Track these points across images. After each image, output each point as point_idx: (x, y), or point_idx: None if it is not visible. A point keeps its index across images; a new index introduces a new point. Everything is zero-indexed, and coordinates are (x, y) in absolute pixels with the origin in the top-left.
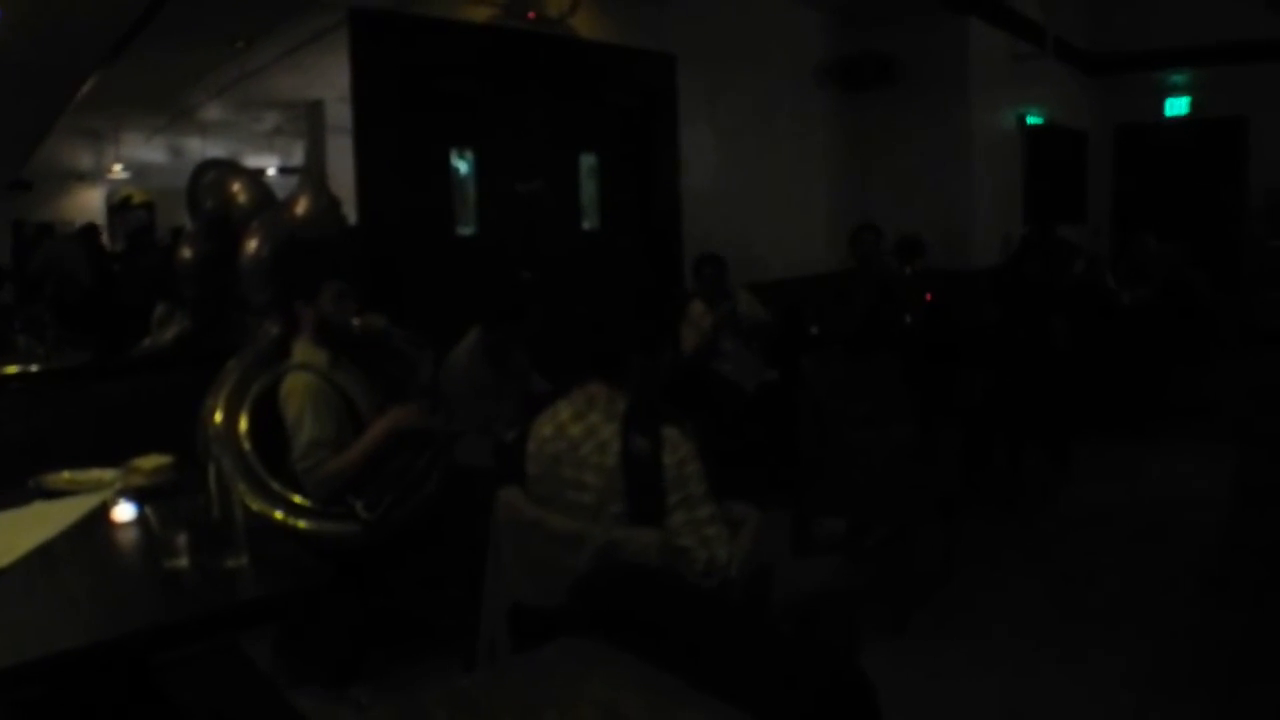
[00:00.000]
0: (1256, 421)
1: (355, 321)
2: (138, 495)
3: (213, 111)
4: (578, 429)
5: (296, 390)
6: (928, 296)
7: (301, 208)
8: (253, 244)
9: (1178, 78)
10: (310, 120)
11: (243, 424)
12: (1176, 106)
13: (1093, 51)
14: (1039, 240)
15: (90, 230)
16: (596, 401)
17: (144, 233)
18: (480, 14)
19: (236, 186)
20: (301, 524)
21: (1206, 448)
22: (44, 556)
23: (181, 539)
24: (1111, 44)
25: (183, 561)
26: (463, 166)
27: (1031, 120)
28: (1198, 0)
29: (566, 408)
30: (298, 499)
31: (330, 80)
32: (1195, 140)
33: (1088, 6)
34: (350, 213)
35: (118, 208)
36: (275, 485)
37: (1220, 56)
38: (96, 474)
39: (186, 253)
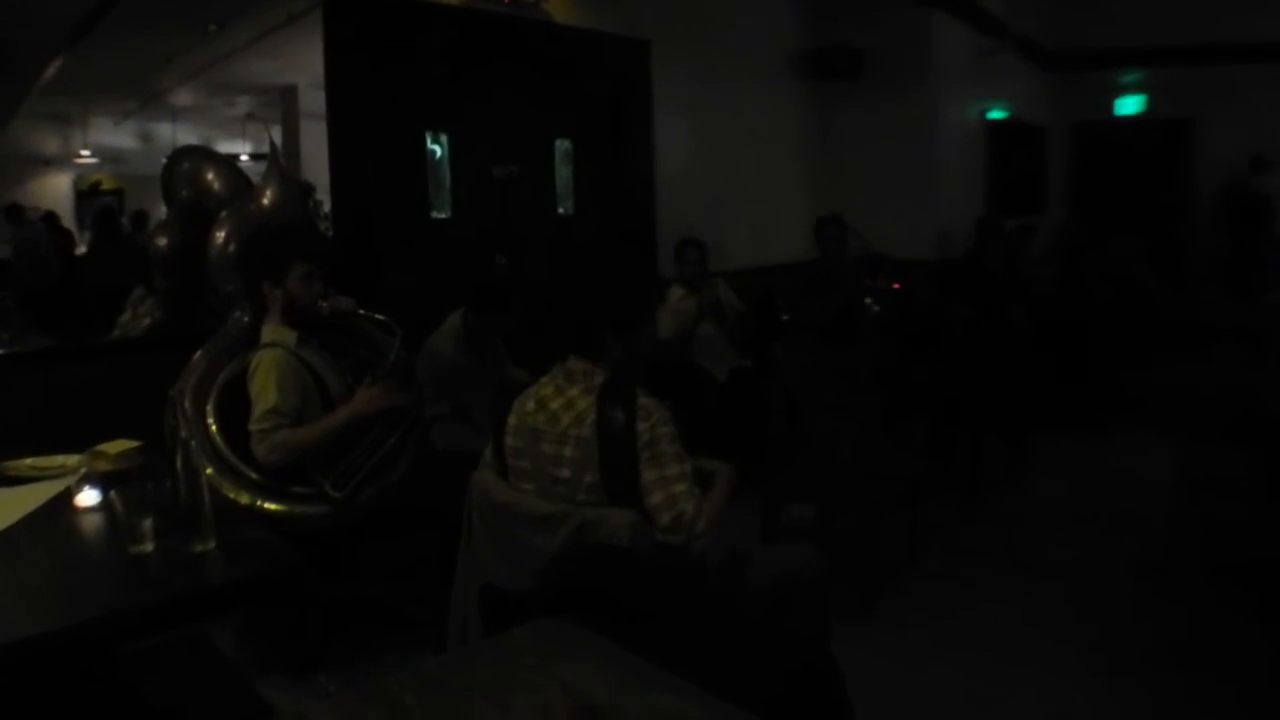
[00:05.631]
0: (1195, 415)
1: (323, 304)
2: (103, 480)
3: (183, 96)
4: (558, 403)
5: (263, 363)
6: (895, 286)
7: (268, 196)
8: (220, 234)
9: (1130, 77)
10: (283, 105)
11: (211, 408)
12: (1127, 105)
13: (1051, 49)
14: (995, 227)
15: (50, 218)
16: (575, 376)
17: (111, 218)
18: None
19: (211, 175)
20: (270, 506)
21: (1157, 439)
22: (5, 543)
23: (147, 524)
24: (1069, 42)
25: (148, 546)
26: (437, 150)
27: (993, 115)
28: (1153, 1)
29: (549, 384)
30: (267, 481)
31: (303, 65)
32: (1146, 139)
33: (1048, 4)
34: (325, 198)
35: (86, 194)
36: (244, 468)
37: (1171, 58)
38: (60, 459)
39: (161, 241)
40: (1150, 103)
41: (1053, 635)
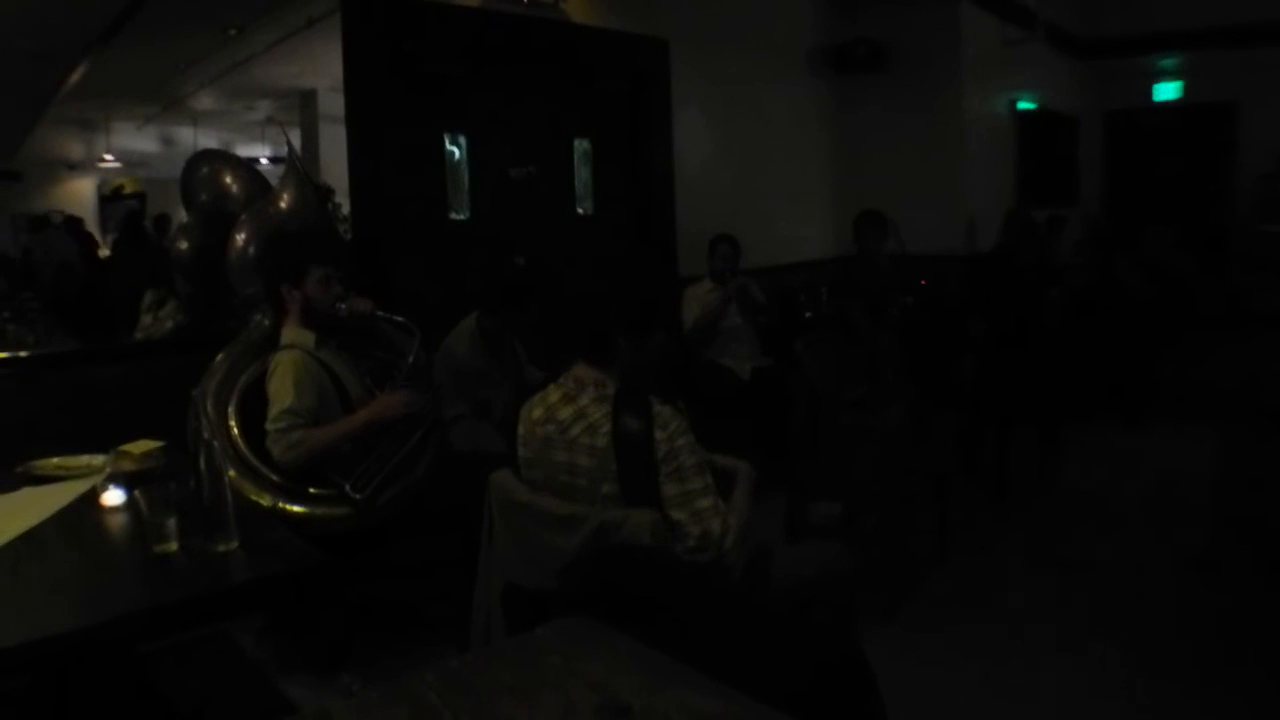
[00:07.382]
0: (1243, 403)
1: (341, 306)
2: (127, 480)
3: (204, 101)
4: (567, 412)
5: (281, 364)
6: (923, 282)
7: (286, 199)
8: (240, 237)
9: (1167, 62)
10: (303, 109)
11: (233, 410)
12: (1165, 91)
13: (1083, 36)
14: (1029, 224)
15: (73, 222)
16: (585, 384)
17: (135, 222)
18: None
19: (230, 178)
20: (292, 508)
21: (1194, 429)
22: (32, 542)
23: (171, 523)
24: (1102, 29)
25: (172, 546)
26: (456, 152)
27: (1023, 105)
28: None
29: (556, 391)
30: (289, 484)
31: (322, 69)
32: (1185, 125)
33: None
34: (344, 200)
35: (109, 198)
36: (266, 470)
37: (1210, 41)
38: (86, 459)
39: (182, 245)
40: (1188, 88)
41: (1089, 634)
